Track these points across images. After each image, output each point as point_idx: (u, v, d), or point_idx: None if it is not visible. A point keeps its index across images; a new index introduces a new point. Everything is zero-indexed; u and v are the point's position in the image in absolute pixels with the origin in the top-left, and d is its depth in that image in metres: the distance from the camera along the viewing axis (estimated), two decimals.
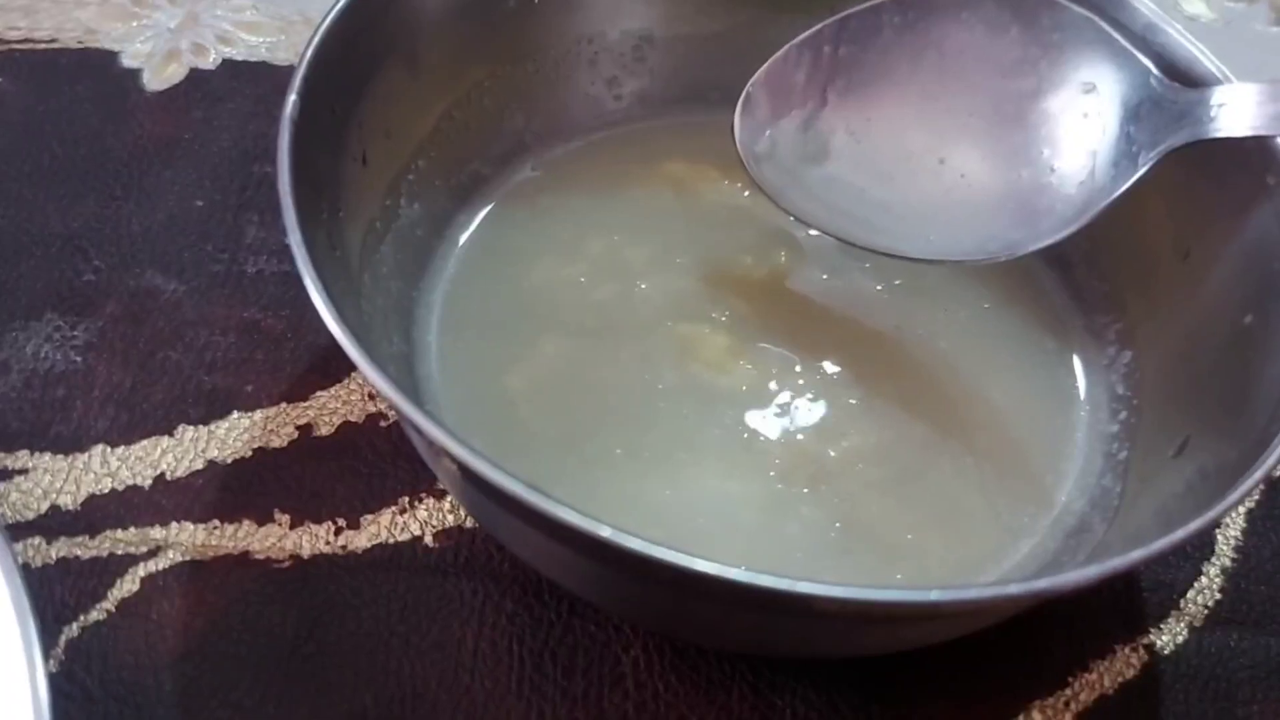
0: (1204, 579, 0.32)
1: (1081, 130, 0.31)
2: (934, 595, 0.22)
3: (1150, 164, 0.29)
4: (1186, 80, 0.30)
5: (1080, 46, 0.31)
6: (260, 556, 0.31)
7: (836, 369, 0.32)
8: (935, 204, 0.32)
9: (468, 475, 0.25)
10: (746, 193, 0.36)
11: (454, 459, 0.23)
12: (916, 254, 0.32)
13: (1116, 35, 0.30)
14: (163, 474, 0.33)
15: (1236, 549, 0.33)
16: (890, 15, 0.33)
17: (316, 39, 0.29)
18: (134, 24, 0.43)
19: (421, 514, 0.32)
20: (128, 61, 0.42)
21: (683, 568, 0.22)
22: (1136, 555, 0.23)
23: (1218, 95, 0.29)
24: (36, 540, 0.31)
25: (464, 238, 0.35)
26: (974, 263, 0.32)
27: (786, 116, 0.33)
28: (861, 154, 0.33)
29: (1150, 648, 0.31)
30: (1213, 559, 0.33)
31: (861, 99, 0.33)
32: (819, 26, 0.33)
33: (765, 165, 0.33)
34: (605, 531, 0.22)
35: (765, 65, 0.33)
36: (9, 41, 0.42)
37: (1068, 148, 0.31)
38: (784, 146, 0.33)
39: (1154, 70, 0.30)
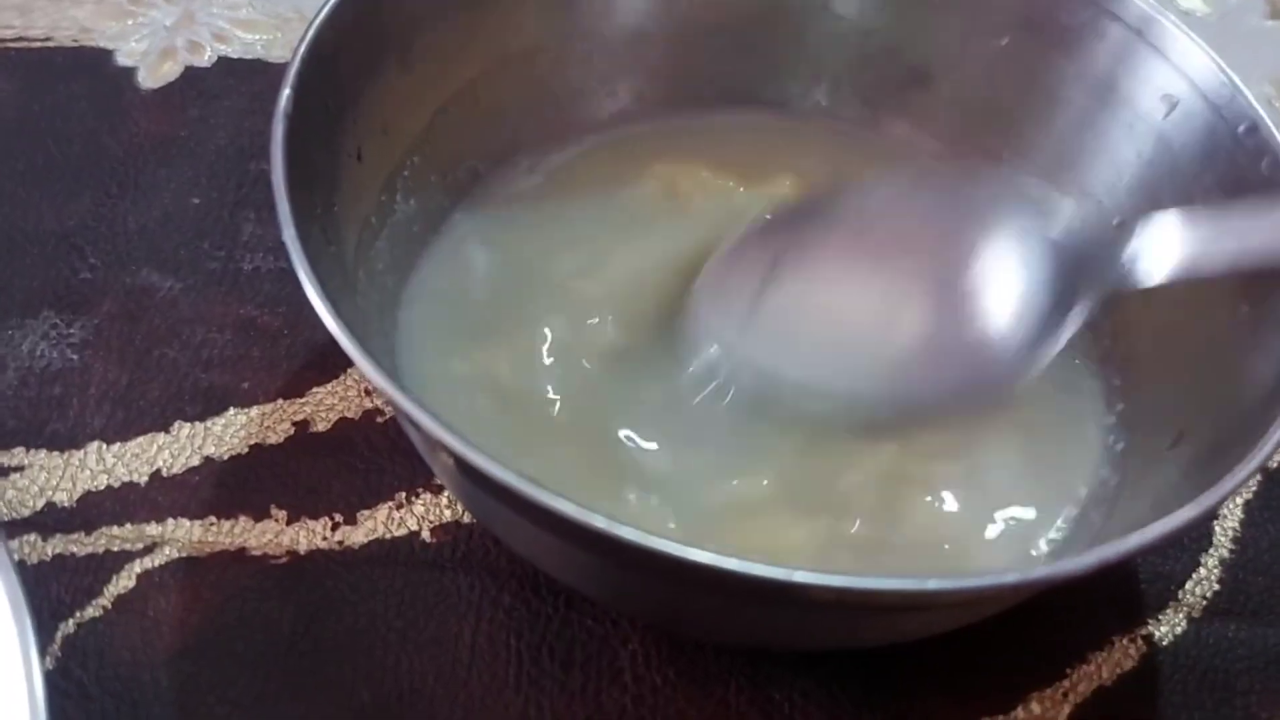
0: (1202, 570, 0.32)
1: (1014, 290, 0.31)
2: (932, 584, 0.22)
3: (1085, 314, 0.30)
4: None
5: (1002, 210, 0.31)
6: (257, 553, 0.31)
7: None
8: (878, 369, 0.31)
9: (464, 468, 0.25)
10: (741, 189, 0.36)
11: (450, 452, 0.23)
12: (862, 421, 0.31)
13: (1030, 200, 0.32)
14: (159, 471, 0.32)
15: (1234, 540, 0.33)
16: (817, 205, 0.33)
17: (310, 34, 0.29)
18: (129, 22, 0.43)
19: (418, 509, 0.32)
20: (123, 60, 0.42)
21: (677, 557, 0.22)
22: (1134, 542, 0.23)
23: (1144, 237, 0.29)
24: (32, 537, 0.31)
25: (457, 234, 0.35)
26: (920, 425, 0.31)
27: (729, 315, 0.32)
28: (808, 320, 0.32)
29: (1149, 639, 0.31)
30: (1210, 550, 0.33)
31: (801, 287, 0.32)
32: (746, 229, 0.33)
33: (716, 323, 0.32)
34: (600, 522, 0.22)
35: (701, 274, 0.33)
36: (3, 40, 0.42)
37: (1003, 309, 0.31)
38: (735, 311, 0.32)
39: (1075, 224, 0.31)
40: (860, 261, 0.32)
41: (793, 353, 0.31)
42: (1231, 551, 0.33)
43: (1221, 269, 0.28)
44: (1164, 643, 0.31)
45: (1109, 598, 0.32)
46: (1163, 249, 0.28)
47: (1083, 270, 0.30)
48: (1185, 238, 0.28)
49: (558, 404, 0.31)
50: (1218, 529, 0.33)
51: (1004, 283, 0.31)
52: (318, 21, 0.29)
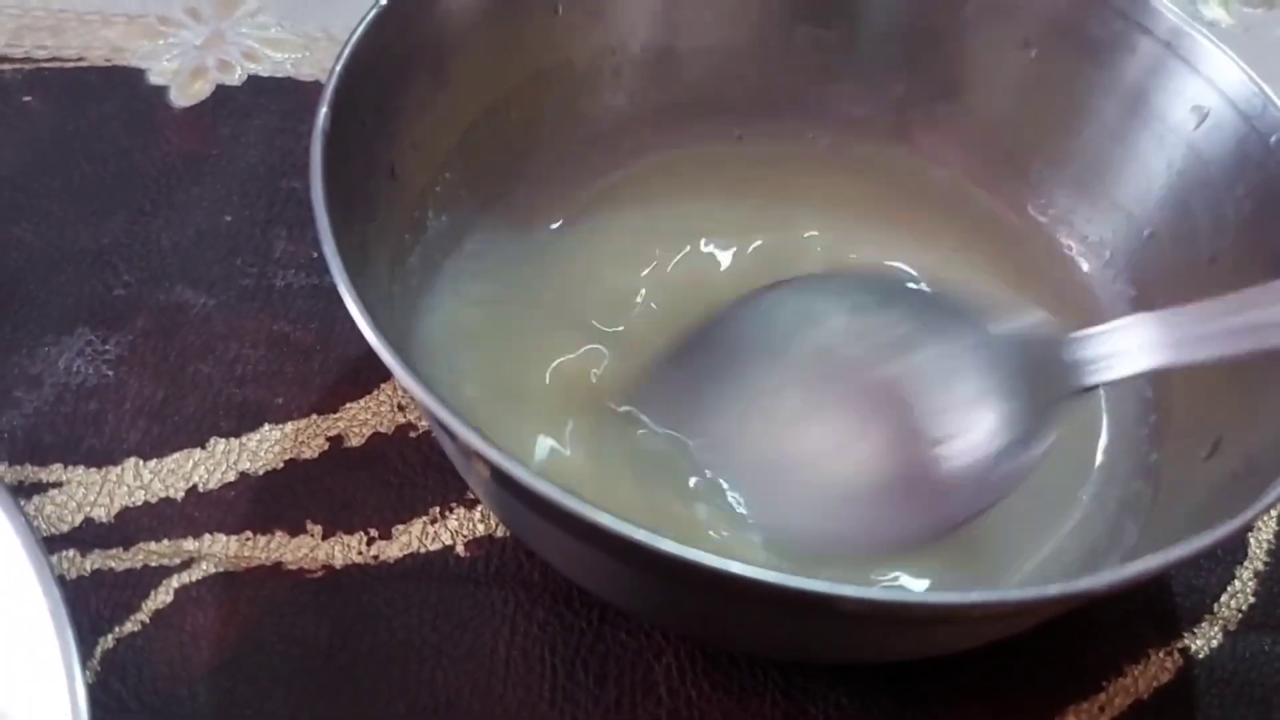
0: (1237, 582, 0.32)
1: (975, 401, 0.30)
2: (972, 597, 0.22)
3: (1058, 420, 0.28)
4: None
5: (953, 318, 0.31)
6: (293, 567, 0.31)
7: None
8: (835, 502, 0.30)
9: (501, 480, 0.25)
10: (762, 210, 0.36)
11: (487, 463, 0.24)
12: (827, 551, 0.29)
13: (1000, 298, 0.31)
14: (195, 486, 0.33)
15: (1269, 553, 0.33)
16: (762, 308, 0.32)
17: (347, 52, 0.29)
18: (160, 42, 0.43)
19: (452, 524, 0.32)
20: (155, 79, 0.42)
21: (718, 570, 0.22)
22: (1174, 555, 0.23)
23: (1106, 338, 0.28)
24: (71, 553, 0.31)
25: (488, 248, 0.35)
26: (890, 554, 0.30)
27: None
28: (747, 471, 0.30)
29: (1185, 651, 0.31)
30: (1245, 563, 0.33)
31: (735, 413, 0.31)
32: (684, 340, 0.32)
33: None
34: (640, 534, 0.22)
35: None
36: (37, 60, 0.43)
37: (965, 422, 0.30)
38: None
39: (1036, 324, 0.30)
40: (806, 387, 0.31)
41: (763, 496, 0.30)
42: (1266, 564, 0.33)
43: (1197, 363, 0.27)
44: (1200, 656, 0.31)
45: (1144, 610, 0.32)
46: (1132, 349, 0.27)
47: (1048, 374, 0.29)
48: (1157, 338, 0.27)
49: (581, 420, 0.31)
50: (1252, 541, 0.33)
51: (966, 401, 0.30)
52: (353, 41, 0.29)
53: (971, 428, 0.29)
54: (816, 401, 0.31)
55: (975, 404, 0.30)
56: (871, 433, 0.31)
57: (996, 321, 0.30)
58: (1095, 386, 0.28)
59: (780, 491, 0.30)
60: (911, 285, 0.32)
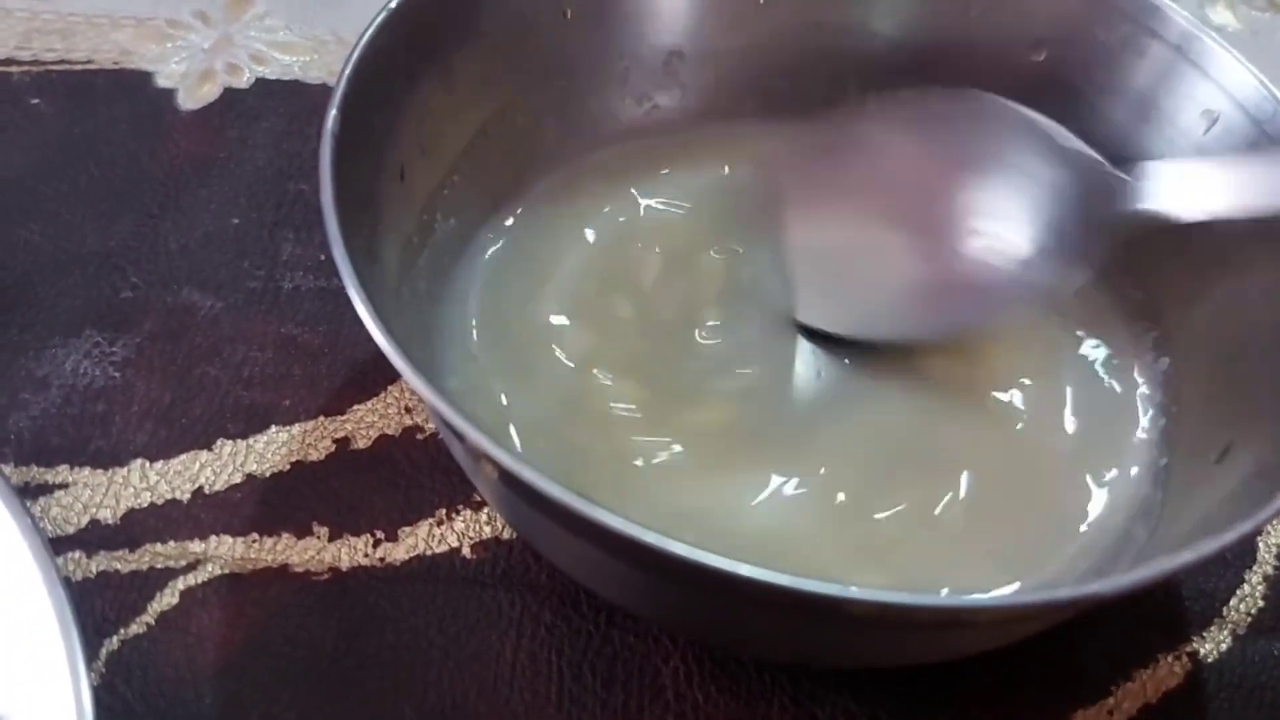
0: (1246, 586, 0.32)
1: (1033, 218, 0.31)
2: (982, 601, 0.22)
3: (1104, 249, 0.30)
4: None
5: (1020, 138, 0.31)
6: (299, 569, 0.31)
7: (864, 371, 0.32)
8: (898, 289, 0.33)
9: (508, 481, 0.25)
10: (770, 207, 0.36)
11: (495, 464, 0.24)
12: (879, 335, 0.33)
13: (1054, 126, 0.31)
14: (201, 488, 0.33)
15: (1279, 556, 0.33)
16: (828, 134, 0.34)
17: (355, 55, 0.29)
18: (168, 45, 0.44)
19: (459, 526, 0.32)
20: (163, 82, 0.42)
21: (728, 573, 0.22)
22: (1185, 558, 0.22)
23: (1165, 175, 0.29)
24: (77, 554, 0.31)
25: (497, 251, 0.35)
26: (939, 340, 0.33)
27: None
28: (831, 249, 0.34)
29: (1194, 656, 0.31)
30: (1254, 567, 0.32)
31: (815, 211, 0.34)
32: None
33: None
34: (649, 537, 0.22)
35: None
36: (45, 63, 0.43)
37: (1027, 229, 0.31)
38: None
39: (1097, 157, 0.31)
40: (873, 201, 0.33)
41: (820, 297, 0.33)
42: (1276, 569, 0.33)
43: (1240, 211, 0.28)
44: (1209, 660, 0.31)
45: (1153, 614, 0.32)
46: (1180, 190, 0.29)
47: (1108, 201, 0.30)
48: (1203, 183, 0.29)
49: (590, 420, 0.31)
50: (1261, 545, 0.33)
51: (1020, 208, 0.31)
52: (362, 43, 0.29)
53: (1016, 230, 0.31)
54: (895, 208, 0.33)
55: (1024, 209, 0.31)
56: (921, 224, 0.32)
57: (1056, 145, 0.31)
58: (1140, 214, 0.29)
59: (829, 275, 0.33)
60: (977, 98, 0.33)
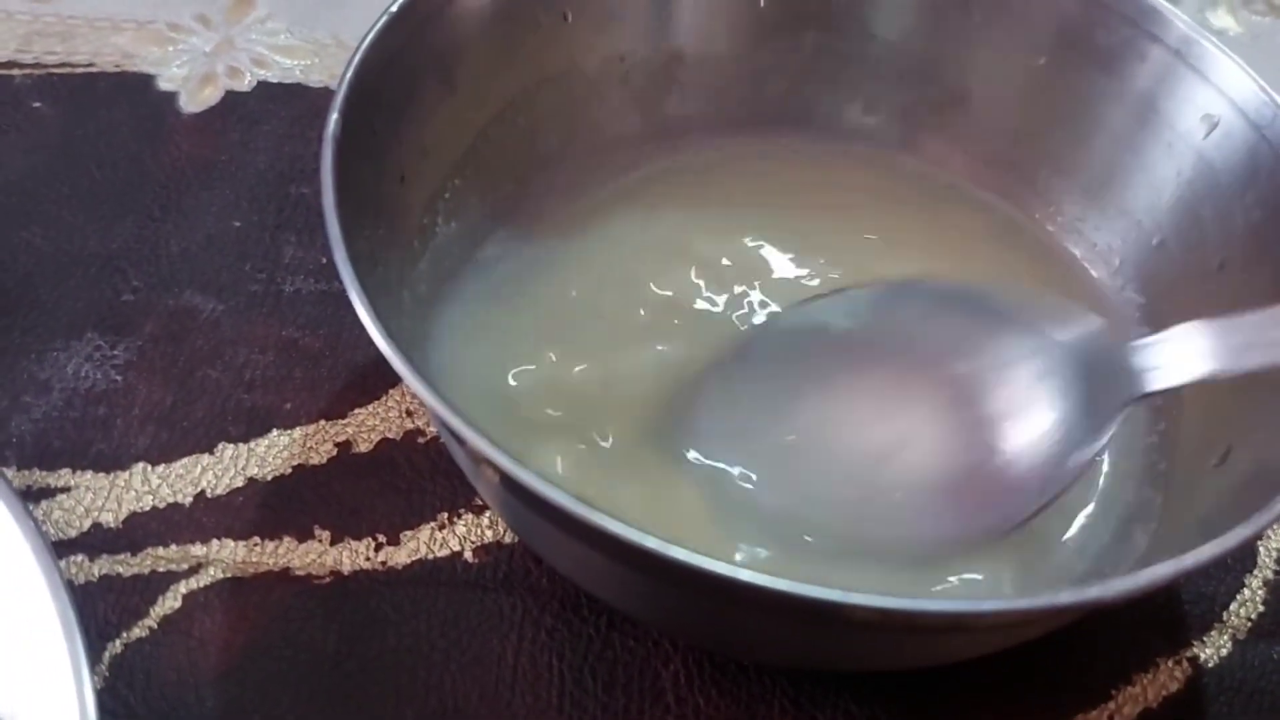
0: (1246, 591, 0.32)
1: (1036, 403, 0.30)
2: (983, 605, 0.22)
3: (1115, 424, 0.29)
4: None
5: (1017, 321, 0.31)
6: (301, 573, 0.31)
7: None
8: (894, 504, 0.30)
9: (510, 486, 0.25)
10: (770, 213, 0.36)
11: (497, 469, 0.24)
12: (886, 558, 0.29)
13: (1050, 310, 0.31)
14: (203, 491, 0.33)
15: (1279, 561, 0.33)
16: (817, 319, 0.32)
17: (357, 57, 0.29)
18: (170, 48, 0.44)
19: (460, 530, 0.32)
20: (164, 85, 0.42)
21: (727, 578, 0.22)
22: (1187, 562, 0.22)
23: (1161, 345, 0.28)
24: (79, 558, 0.31)
25: (498, 256, 0.35)
26: (950, 554, 0.30)
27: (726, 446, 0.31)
28: (807, 469, 0.31)
29: (1194, 661, 0.31)
30: (1255, 571, 0.33)
31: (797, 410, 0.31)
32: (740, 344, 0.32)
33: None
34: (650, 542, 0.22)
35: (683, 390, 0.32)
36: (47, 66, 0.43)
37: (1025, 423, 0.30)
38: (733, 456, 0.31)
39: (1096, 330, 0.30)
40: (871, 389, 0.31)
41: (806, 493, 0.30)
42: (1276, 573, 0.33)
43: (1250, 370, 0.27)
44: (1209, 665, 0.31)
45: (1153, 619, 0.32)
46: (1188, 357, 0.28)
47: (1106, 379, 0.29)
48: (1212, 347, 0.27)
49: (595, 427, 0.31)
50: (1261, 550, 0.33)
51: (1028, 403, 0.30)
52: (363, 47, 0.30)
53: (1029, 430, 0.30)
54: (873, 404, 0.31)
55: (1033, 407, 0.30)
56: (929, 434, 0.31)
57: (1054, 325, 0.30)
58: (1152, 394, 0.28)
59: (836, 494, 0.30)
60: (967, 290, 0.32)
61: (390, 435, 0.34)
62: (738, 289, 0.34)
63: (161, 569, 0.31)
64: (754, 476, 0.30)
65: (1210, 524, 0.27)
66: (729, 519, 0.30)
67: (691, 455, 0.31)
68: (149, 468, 0.33)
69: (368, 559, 0.32)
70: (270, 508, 0.32)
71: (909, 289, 0.32)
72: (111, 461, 0.33)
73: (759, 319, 0.34)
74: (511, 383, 0.32)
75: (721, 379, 0.32)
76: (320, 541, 0.32)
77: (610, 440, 0.31)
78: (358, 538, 0.32)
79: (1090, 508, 0.31)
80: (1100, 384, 0.29)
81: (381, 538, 0.32)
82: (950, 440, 0.30)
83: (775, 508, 0.30)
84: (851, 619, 0.23)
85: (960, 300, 0.32)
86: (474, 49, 0.33)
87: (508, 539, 0.32)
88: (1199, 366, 0.27)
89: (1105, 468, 0.32)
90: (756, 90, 0.38)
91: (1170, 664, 0.31)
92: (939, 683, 0.30)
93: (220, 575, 0.31)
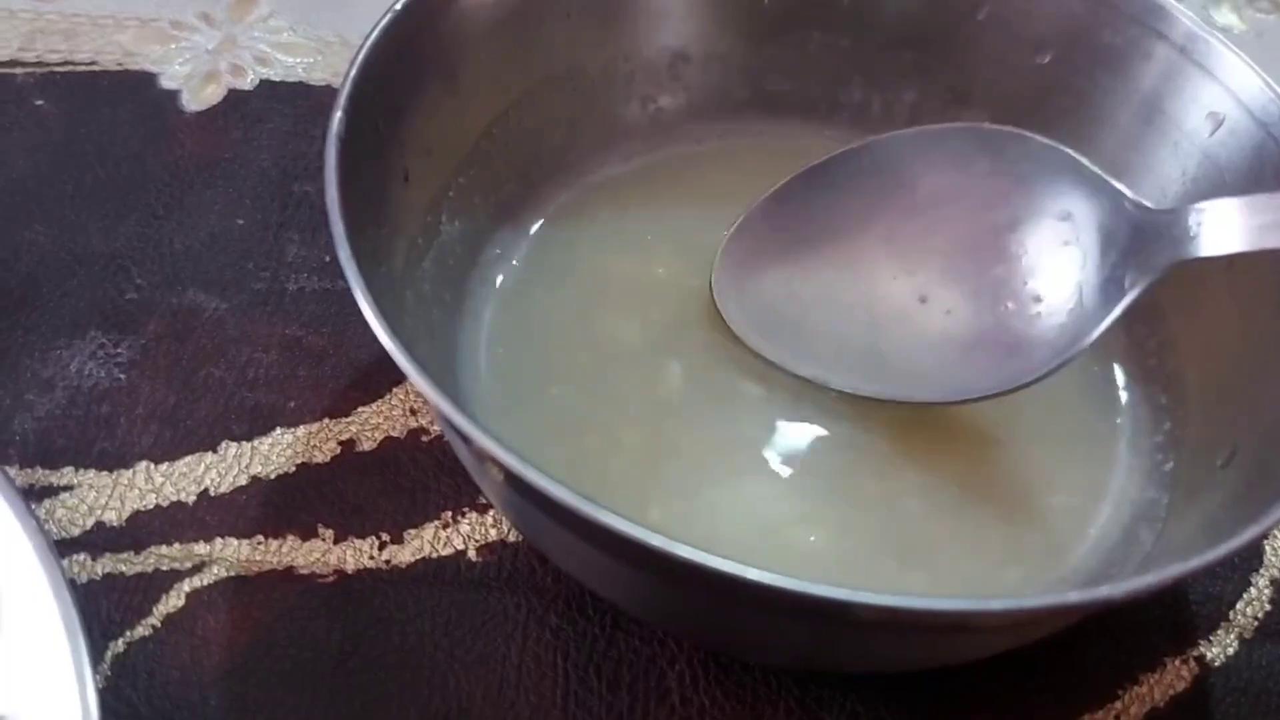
0: (1253, 590, 0.32)
1: (1063, 259, 0.31)
2: (990, 604, 0.22)
3: (1139, 289, 0.29)
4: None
5: (1051, 175, 0.31)
6: (304, 572, 0.31)
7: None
8: (921, 345, 0.31)
9: (515, 484, 0.25)
10: None
11: (502, 467, 0.23)
12: (906, 398, 0.31)
13: (1086, 162, 0.30)
14: (207, 490, 0.33)
15: None
16: (858, 161, 0.33)
17: (361, 56, 0.29)
18: (172, 46, 0.44)
19: (464, 528, 0.32)
20: (167, 83, 0.42)
21: (733, 576, 0.22)
22: (1195, 562, 0.22)
23: (1196, 214, 0.28)
24: (82, 556, 0.31)
25: (503, 255, 0.35)
26: (966, 402, 0.31)
27: (765, 270, 0.33)
28: (841, 301, 0.32)
29: (1200, 660, 0.31)
30: (1261, 570, 0.32)
31: (837, 246, 0.33)
32: (788, 179, 0.33)
33: (746, 318, 0.33)
34: (655, 540, 0.22)
35: (738, 221, 0.34)
36: (50, 64, 0.43)
37: (1051, 278, 0.31)
38: (764, 299, 0.33)
39: (1128, 194, 0.30)
40: (904, 230, 0.32)
41: (829, 339, 0.31)
42: None
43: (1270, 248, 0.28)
44: (1216, 664, 0.31)
45: (1160, 618, 0.32)
46: (1224, 224, 0.28)
47: (1140, 239, 0.29)
48: (1242, 215, 0.28)
49: (601, 423, 0.31)
50: (1268, 549, 0.33)
51: (1059, 259, 0.30)
52: (367, 45, 0.29)
53: (1057, 286, 0.30)
54: (905, 245, 0.32)
55: (1064, 264, 0.30)
56: (959, 277, 0.31)
57: (1093, 186, 0.30)
58: (1182, 263, 0.29)
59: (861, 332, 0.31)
60: (1010, 136, 0.32)
61: (394, 434, 0.34)
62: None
63: (165, 568, 0.31)
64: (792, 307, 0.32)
65: (1217, 524, 0.27)
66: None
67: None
68: (152, 466, 0.33)
69: (372, 558, 0.32)
70: (274, 506, 0.32)
71: (954, 133, 0.33)
72: (115, 460, 0.33)
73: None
74: (521, 375, 0.32)
75: (763, 217, 0.33)
76: (324, 540, 0.32)
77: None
78: (362, 536, 0.32)
79: (1098, 506, 0.31)
80: (1131, 250, 0.29)
81: (385, 536, 0.32)
82: (979, 286, 0.31)
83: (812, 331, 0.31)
84: (858, 618, 0.23)
85: (1002, 148, 0.32)
86: (478, 48, 0.33)
87: (511, 538, 0.32)
88: (1231, 241, 0.28)
89: (1113, 466, 0.32)
90: (760, 88, 0.38)
91: (1177, 663, 0.31)
92: (945, 683, 0.30)
93: (224, 574, 0.31)
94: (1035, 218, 0.31)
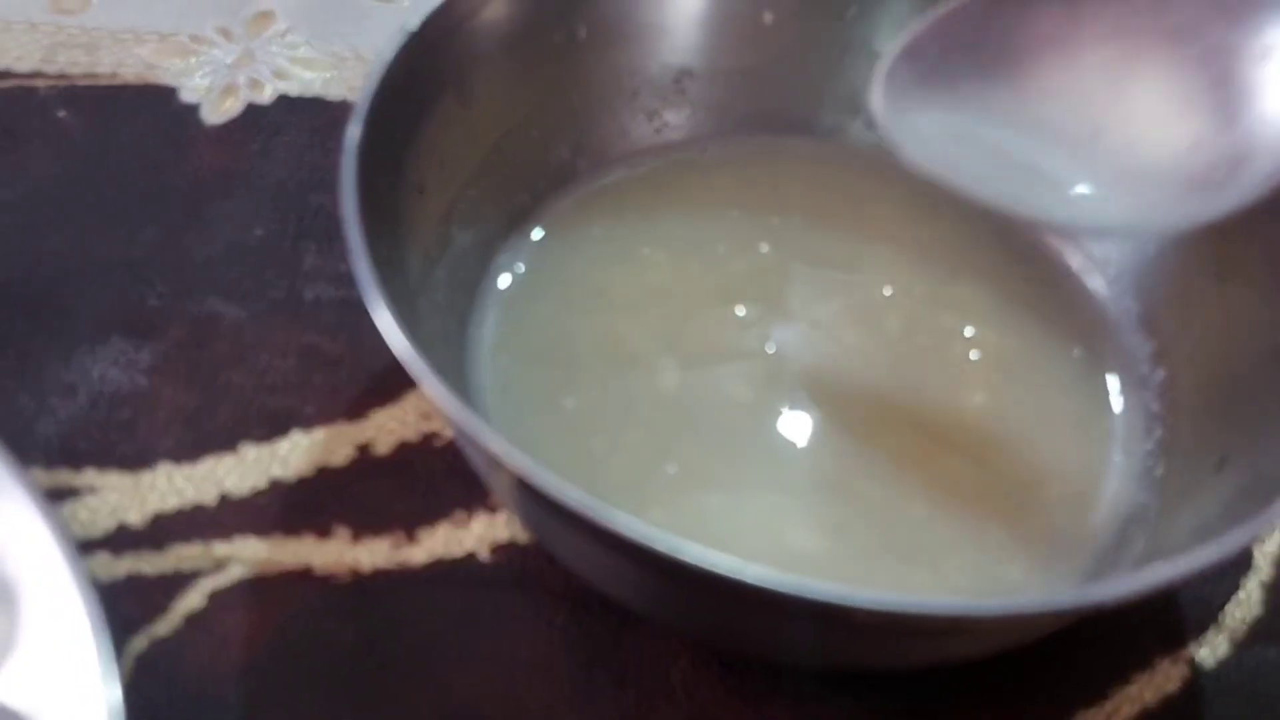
0: (1242, 593, 0.33)
1: (1262, 94, 0.29)
2: (985, 607, 0.23)
3: None
4: None
5: (1253, 8, 0.29)
6: (321, 572, 0.32)
7: (869, 383, 0.33)
8: (1128, 167, 0.29)
9: (524, 487, 0.26)
10: (775, 220, 0.37)
11: (513, 473, 0.24)
12: (1085, 221, 0.30)
13: None
14: (227, 492, 0.34)
15: (1275, 564, 0.33)
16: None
17: (377, 71, 0.30)
18: (192, 60, 0.45)
19: (476, 529, 0.33)
20: (186, 96, 0.43)
21: (736, 579, 0.23)
22: (1188, 564, 0.23)
23: None
24: (104, 556, 0.32)
25: (513, 265, 0.36)
26: (1147, 232, 0.30)
27: (932, 84, 0.31)
28: (1017, 120, 0.30)
29: (1191, 661, 0.32)
30: (1250, 573, 0.33)
31: (1016, 65, 0.31)
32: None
33: (908, 133, 0.30)
34: (662, 544, 0.23)
35: (901, 45, 0.31)
36: (71, 77, 0.44)
37: (1246, 113, 0.29)
38: (929, 113, 0.31)
39: None
40: (1099, 51, 0.30)
41: (1022, 165, 0.30)
42: (1272, 576, 0.33)
43: None
44: (1207, 665, 0.32)
45: (1151, 620, 0.32)
46: None
47: None
48: None
49: (605, 426, 0.32)
50: (1257, 553, 0.34)
51: (1258, 81, 0.29)
52: (383, 61, 0.30)
53: (1257, 113, 0.28)
54: (1105, 71, 0.30)
55: (1266, 91, 0.29)
56: (1155, 99, 0.30)
57: None
58: None
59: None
60: None
61: (408, 438, 0.35)
62: (752, 295, 0.35)
63: (185, 568, 0.32)
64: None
65: (1207, 528, 0.27)
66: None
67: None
68: (173, 468, 0.34)
69: (386, 558, 0.32)
70: (292, 508, 0.33)
71: None
72: (136, 462, 0.34)
73: (775, 328, 0.34)
74: (532, 382, 0.33)
75: (933, 38, 0.31)
76: (341, 541, 0.33)
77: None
78: (377, 537, 0.33)
79: (1092, 509, 0.32)
80: None
81: (399, 538, 0.33)
82: (1168, 114, 0.29)
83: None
84: (856, 620, 0.24)
85: None
86: (491, 65, 0.34)
87: (521, 538, 0.33)
88: None
89: (1104, 471, 0.33)
90: (762, 103, 0.39)
91: (1168, 665, 0.32)
92: (941, 682, 0.31)
93: (243, 574, 0.32)
94: (1232, 51, 0.29)
